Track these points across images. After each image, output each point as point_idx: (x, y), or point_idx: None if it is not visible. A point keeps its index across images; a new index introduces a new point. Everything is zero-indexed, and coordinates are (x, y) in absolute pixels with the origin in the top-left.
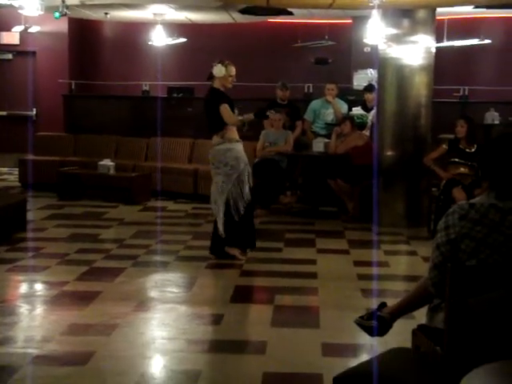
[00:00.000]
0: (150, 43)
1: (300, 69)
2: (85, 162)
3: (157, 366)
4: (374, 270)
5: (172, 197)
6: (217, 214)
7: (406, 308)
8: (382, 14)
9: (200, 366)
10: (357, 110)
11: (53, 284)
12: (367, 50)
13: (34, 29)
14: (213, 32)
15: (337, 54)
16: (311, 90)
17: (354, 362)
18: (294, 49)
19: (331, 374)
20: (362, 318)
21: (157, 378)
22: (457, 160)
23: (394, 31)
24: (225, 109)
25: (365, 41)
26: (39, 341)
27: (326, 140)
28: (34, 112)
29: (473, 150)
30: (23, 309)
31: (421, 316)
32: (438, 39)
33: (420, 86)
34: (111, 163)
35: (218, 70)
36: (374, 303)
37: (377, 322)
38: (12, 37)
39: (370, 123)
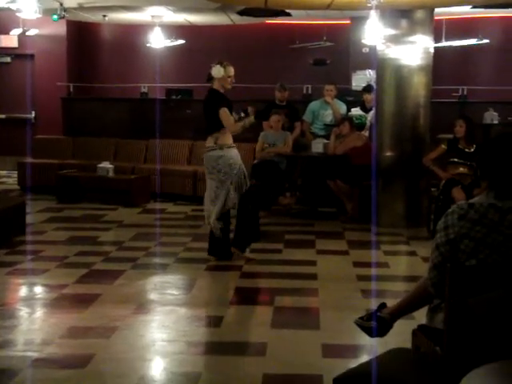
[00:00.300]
0: (148, 45)
1: (298, 70)
2: (84, 165)
3: (157, 368)
4: (374, 271)
5: (171, 199)
6: (209, 218)
7: (405, 308)
8: (380, 14)
9: (200, 367)
10: (356, 111)
11: (52, 287)
12: (365, 50)
13: (32, 32)
14: (211, 34)
15: (335, 54)
16: (310, 91)
17: (354, 363)
18: (293, 50)
19: (331, 374)
20: (361, 318)
21: (157, 380)
22: (456, 160)
23: (392, 32)
24: (224, 113)
25: (363, 41)
26: (39, 344)
27: (325, 141)
28: (33, 115)
29: (472, 149)
30: (23, 312)
31: (421, 316)
32: (437, 39)
33: (419, 87)
34: (110, 166)
35: (217, 71)
36: (373, 304)
37: (376, 323)
38: (10, 40)
39: (368, 124)
